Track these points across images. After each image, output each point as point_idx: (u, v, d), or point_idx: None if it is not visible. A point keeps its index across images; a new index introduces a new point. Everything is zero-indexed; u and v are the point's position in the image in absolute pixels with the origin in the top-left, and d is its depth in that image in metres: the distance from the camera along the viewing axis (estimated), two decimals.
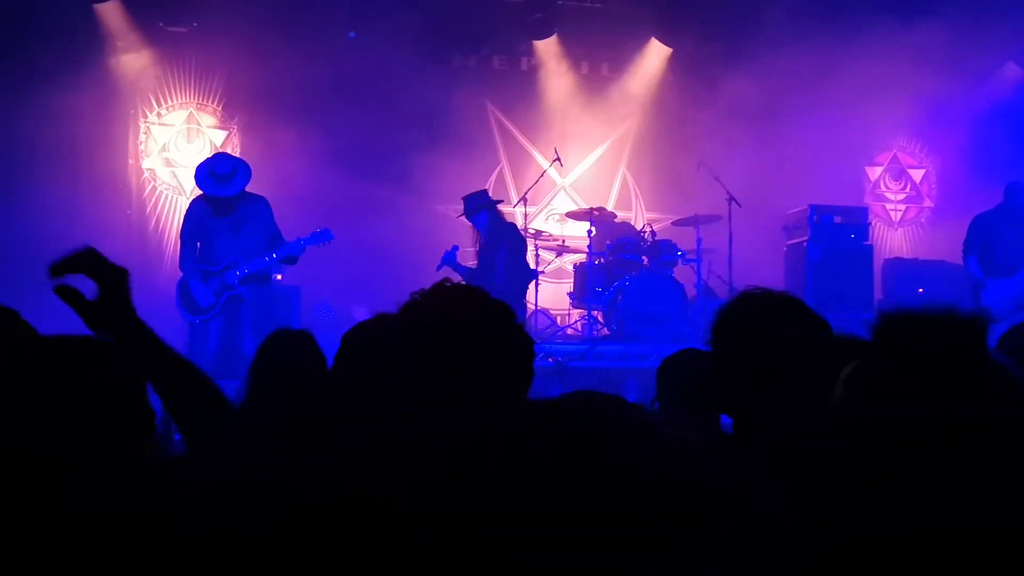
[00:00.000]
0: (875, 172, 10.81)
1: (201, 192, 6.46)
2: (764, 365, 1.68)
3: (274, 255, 6.22)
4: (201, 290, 6.24)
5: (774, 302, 1.78)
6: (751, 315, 1.77)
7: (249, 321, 6.16)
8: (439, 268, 7.12)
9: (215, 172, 6.32)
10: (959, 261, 7.63)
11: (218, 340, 6.24)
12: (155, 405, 1.64)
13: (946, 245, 8.65)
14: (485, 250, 7.26)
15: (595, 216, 8.48)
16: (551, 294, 9.42)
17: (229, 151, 9.49)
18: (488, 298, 1.73)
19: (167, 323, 7.15)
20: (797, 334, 1.71)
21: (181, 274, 6.47)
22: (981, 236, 7.35)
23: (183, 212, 9.33)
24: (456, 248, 7.47)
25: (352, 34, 9.48)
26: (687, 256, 8.30)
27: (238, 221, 6.26)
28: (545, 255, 8.94)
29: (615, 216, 9.11)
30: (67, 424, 1.18)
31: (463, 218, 7.47)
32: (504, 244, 7.24)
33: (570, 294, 8.71)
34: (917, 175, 10.87)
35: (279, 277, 7.36)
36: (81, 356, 1.37)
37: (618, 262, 8.25)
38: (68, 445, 1.13)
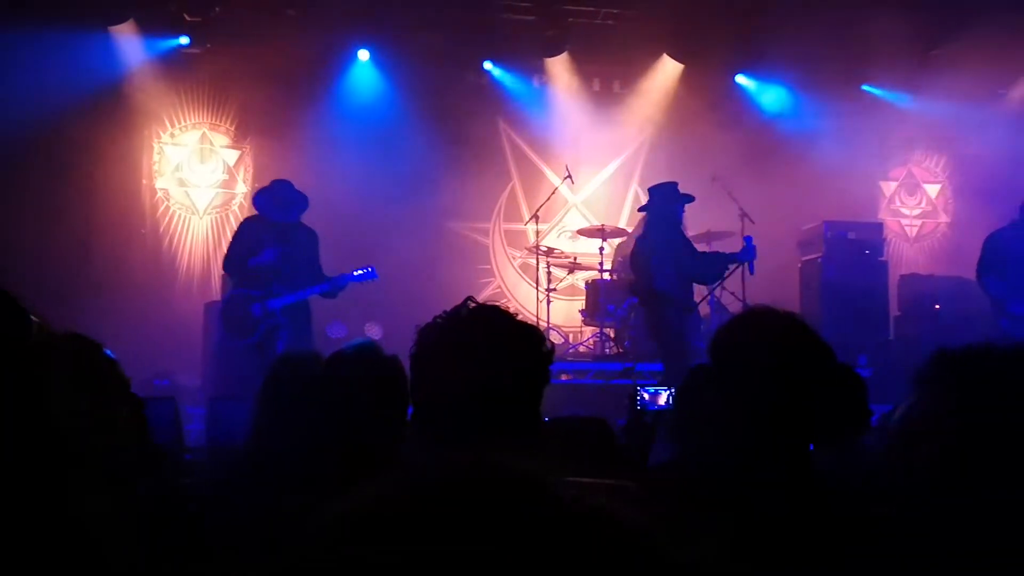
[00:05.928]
0: (890, 187, 10.73)
1: (255, 214, 6.49)
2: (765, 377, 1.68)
3: (318, 289, 6.22)
4: (255, 306, 6.24)
5: (779, 318, 1.78)
6: (755, 330, 1.76)
7: (287, 345, 6.13)
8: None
9: (278, 198, 6.37)
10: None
11: (258, 365, 6.17)
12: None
13: (963, 260, 8.55)
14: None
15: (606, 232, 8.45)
16: (563, 312, 9.38)
17: (242, 171, 9.54)
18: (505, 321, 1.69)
19: (181, 338, 7.14)
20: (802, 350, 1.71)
21: (229, 290, 6.43)
22: (997, 255, 7.18)
23: (195, 232, 9.45)
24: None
25: (365, 52, 9.51)
26: None
27: (288, 249, 6.27)
28: (557, 272, 8.91)
29: (627, 233, 9.07)
30: None
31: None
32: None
33: (582, 312, 8.67)
34: (933, 190, 10.79)
35: None
36: None
37: (631, 279, 8.20)
38: None
